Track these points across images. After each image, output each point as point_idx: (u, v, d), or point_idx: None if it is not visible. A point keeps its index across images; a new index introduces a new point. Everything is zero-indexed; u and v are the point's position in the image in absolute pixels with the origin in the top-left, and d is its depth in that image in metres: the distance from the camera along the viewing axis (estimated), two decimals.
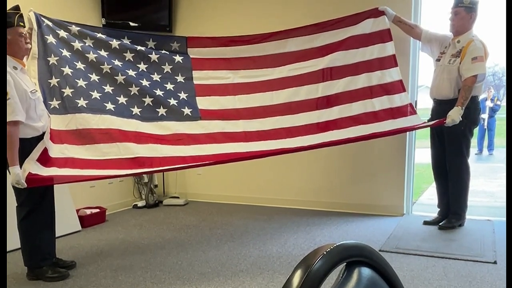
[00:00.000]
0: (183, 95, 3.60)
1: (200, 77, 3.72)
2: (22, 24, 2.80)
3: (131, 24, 4.80)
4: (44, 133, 2.87)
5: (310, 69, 3.75)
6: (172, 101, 3.55)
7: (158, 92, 3.52)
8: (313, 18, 4.23)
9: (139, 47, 3.58)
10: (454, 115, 3.45)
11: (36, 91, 2.87)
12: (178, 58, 3.69)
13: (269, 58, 3.80)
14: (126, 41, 3.56)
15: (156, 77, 3.58)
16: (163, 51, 3.68)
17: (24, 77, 2.80)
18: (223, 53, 3.79)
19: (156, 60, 3.62)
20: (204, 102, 3.64)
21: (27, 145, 2.75)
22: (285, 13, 4.58)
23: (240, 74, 3.76)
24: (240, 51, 3.80)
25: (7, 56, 2.70)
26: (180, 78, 3.66)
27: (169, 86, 3.60)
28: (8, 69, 2.65)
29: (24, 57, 2.89)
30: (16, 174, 2.63)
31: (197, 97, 3.64)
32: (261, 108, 3.66)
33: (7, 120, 2.59)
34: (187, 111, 3.56)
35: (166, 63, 3.65)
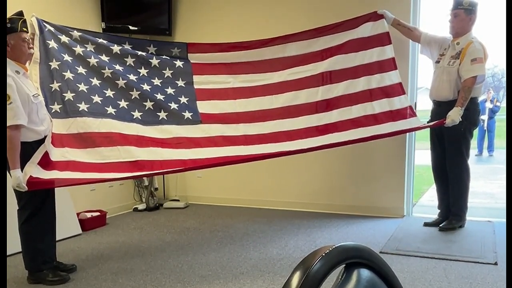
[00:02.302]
0: (183, 99, 3.62)
1: (201, 81, 3.74)
2: (25, 29, 2.82)
3: (131, 27, 4.81)
4: (46, 136, 2.88)
5: (309, 73, 3.76)
6: (173, 105, 3.56)
7: (159, 96, 3.54)
8: (313, 20, 4.25)
9: (139, 52, 3.61)
10: (454, 116, 3.46)
11: (39, 95, 2.89)
12: (178, 63, 3.71)
13: (268, 63, 3.82)
14: (127, 47, 3.59)
15: (156, 81, 3.60)
16: (164, 56, 3.70)
17: (26, 81, 2.81)
18: (223, 58, 3.81)
19: (157, 65, 3.65)
20: (204, 106, 3.65)
21: (29, 149, 2.76)
22: (285, 15, 4.59)
23: (240, 79, 3.78)
24: (240, 56, 3.83)
25: (10, 61, 2.72)
26: (180, 83, 3.68)
27: (170, 90, 3.61)
28: (11, 73, 2.66)
29: (26, 62, 2.90)
30: (17, 177, 2.63)
31: (197, 101, 3.66)
32: (261, 112, 3.68)
33: (9, 124, 2.60)
34: (187, 115, 3.57)
35: (167, 68, 3.68)
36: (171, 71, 3.68)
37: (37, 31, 3.11)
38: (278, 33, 4.01)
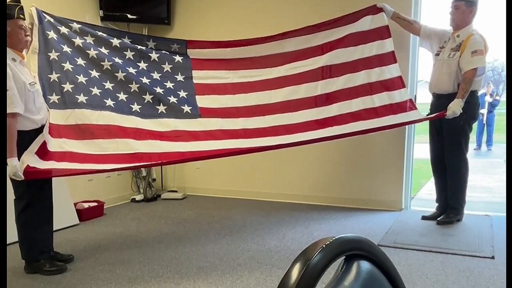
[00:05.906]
0: (182, 93, 3.62)
1: (200, 76, 3.75)
2: (22, 16, 2.79)
3: (130, 16, 4.77)
4: (43, 126, 2.87)
5: (309, 68, 3.75)
6: (172, 99, 3.56)
7: (158, 90, 3.55)
8: (314, 10, 4.23)
9: (139, 46, 3.62)
10: (455, 107, 3.45)
11: (35, 83, 2.87)
12: (178, 58, 3.73)
13: (268, 58, 3.83)
14: (126, 40, 3.59)
15: (156, 75, 3.61)
16: (163, 51, 3.71)
17: (23, 69, 2.79)
18: (222, 54, 3.82)
19: (156, 59, 3.65)
20: (203, 101, 3.66)
21: (26, 138, 2.74)
22: (286, 5, 4.55)
23: (239, 74, 3.79)
24: (239, 52, 3.83)
25: (7, 48, 2.69)
26: (180, 77, 3.68)
27: (169, 84, 3.62)
28: (7, 61, 2.64)
29: (23, 49, 2.87)
30: (14, 166, 2.62)
31: (196, 96, 3.67)
32: (260, 107, 3.68)
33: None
34: (186, 108, 3.57)
35: (166, 62, 3.68)
36: (170, 66, 3.69)
37: (36, 21, 3.09)
38: (278, 24, 3.99)
